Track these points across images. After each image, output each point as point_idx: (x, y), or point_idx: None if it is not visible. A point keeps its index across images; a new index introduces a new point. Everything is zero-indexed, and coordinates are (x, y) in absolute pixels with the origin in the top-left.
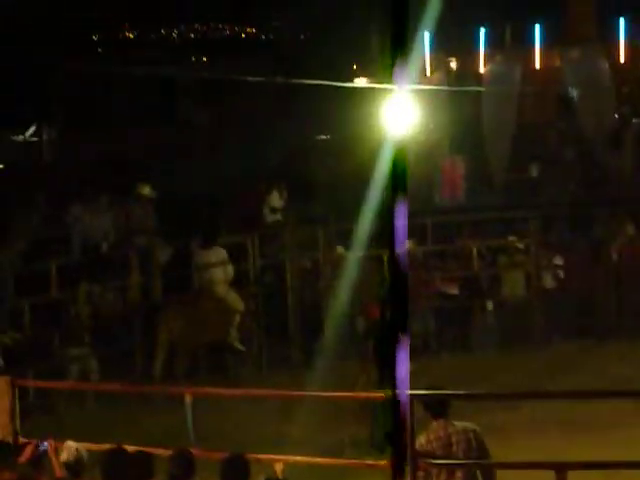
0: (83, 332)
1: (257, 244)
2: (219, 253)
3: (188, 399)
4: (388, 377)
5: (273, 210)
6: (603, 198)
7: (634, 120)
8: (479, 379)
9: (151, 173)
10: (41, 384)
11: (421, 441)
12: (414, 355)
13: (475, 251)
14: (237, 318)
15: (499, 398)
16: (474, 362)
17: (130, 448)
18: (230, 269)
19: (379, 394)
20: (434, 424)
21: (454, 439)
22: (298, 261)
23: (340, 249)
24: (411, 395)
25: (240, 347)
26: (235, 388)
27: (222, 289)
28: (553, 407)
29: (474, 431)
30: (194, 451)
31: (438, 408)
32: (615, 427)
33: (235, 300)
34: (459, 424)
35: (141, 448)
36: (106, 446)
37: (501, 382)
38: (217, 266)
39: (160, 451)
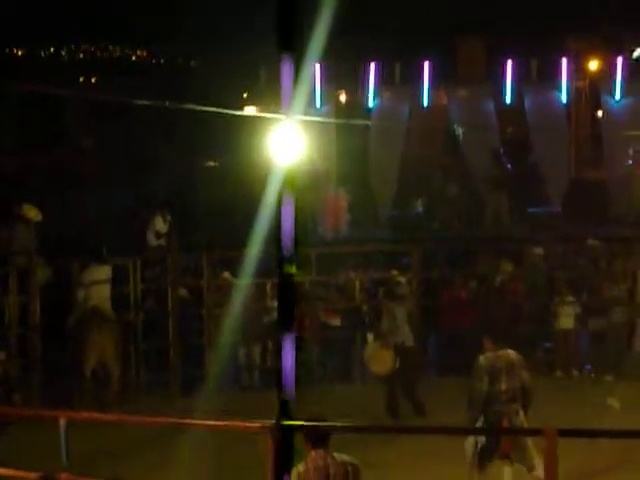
0: None
1: (139, 268)
2: (106, 270)
3: (62, 422)
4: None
5: (157, 235)
6: (484, 236)
7: (513, 161)
8: (359, 411)
9: (35, 194)
10: None
11: (299, 469)
12: (297, 385)
13: (358, 283)
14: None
15: (378, 431)
16: (354, 394)
17: None
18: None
19: (257, 424)
20: (313, 454)
21: (332, 471)
22: (180, 287)
23: (225, 275)
24: (291, 424)
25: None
26: (109, 413)
27: (109, 306)
28: (434, 442)
29: (352, 464)
30: (63, 475)
31: (318, 438)
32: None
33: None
34: (338, 456)
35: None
36: None
37: (381, 415)
38: (105, 283)
39: (31, 475)
